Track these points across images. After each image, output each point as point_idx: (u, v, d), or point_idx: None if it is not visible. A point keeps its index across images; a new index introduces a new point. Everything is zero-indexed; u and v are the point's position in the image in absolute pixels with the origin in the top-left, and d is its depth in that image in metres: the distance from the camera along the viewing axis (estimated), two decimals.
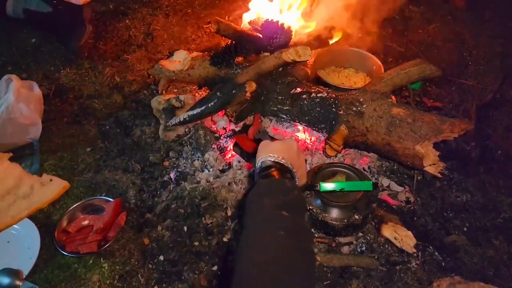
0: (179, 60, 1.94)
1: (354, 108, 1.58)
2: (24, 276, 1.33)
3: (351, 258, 1.41)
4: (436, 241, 1.49)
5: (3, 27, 2.42)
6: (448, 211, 1.59)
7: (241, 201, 1.59)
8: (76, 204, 1.57)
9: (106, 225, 1.47)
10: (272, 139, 1.30)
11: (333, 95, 1.67)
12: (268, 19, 1.91)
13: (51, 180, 1.61)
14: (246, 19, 2.18)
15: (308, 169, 1.63)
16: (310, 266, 0.79)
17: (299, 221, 0.86)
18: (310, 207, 1.44)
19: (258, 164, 1.03)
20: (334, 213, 1.41)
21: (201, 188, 1.64)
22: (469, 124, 1.46)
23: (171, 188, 1.67)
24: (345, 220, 1.41)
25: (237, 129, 1.83)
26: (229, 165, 1.72)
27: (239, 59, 1.85)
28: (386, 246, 1.46)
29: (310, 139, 1.80)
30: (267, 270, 0.72)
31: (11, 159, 1.64)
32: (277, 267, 0.72)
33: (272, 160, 1.00)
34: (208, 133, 1.80)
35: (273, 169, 0.98)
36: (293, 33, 1.91)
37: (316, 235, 1.48)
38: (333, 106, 1.63)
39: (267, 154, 1.02)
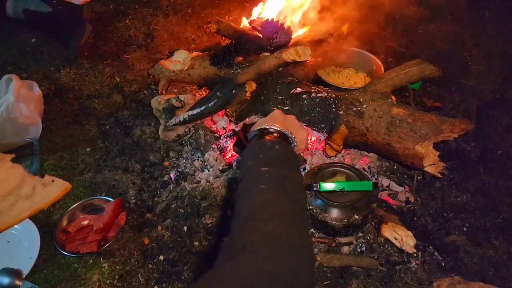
0: (179, 60, 1.94)
1: (354, 108, 1.58)
2: (24, 276, 1.33)
3: (351, 258, 1.41)
4: (436, 241, 1.49)
5: (3, 27, 2.43)
6: (448, 211, 1.59)
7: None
8: (76, 204, 1.57)
9: (106, 225, 1.47)
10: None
11: (333, 95, 1.67)
12: (268, 19, 1.91)
13: (53, 181, 1.61)
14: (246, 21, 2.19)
15: (308, 169, 1.63)
16: (298, 213, 0.79)
17: (282, 173, 0.85)
18: (310, 207, 1.44)
19: (257, 129, 1.02)
20: (334, 213, 1.41)
21: (201, 188, 1.64)
22: (469, 124, 1.46)
23: (171, 188, 1.67)
24: (345, 220, 1.41)
25: (237, 129, 1.83)
26: (229, 165, 1.72)
27: (239, 59, 1.85)
28: (386, 246, 1.46)
29: (310, 139, 1.80)
30: (253, 218, 0.73)
31: (13, 160, 1.64)
32: (261, 216, 0.73)
33: (264, 127, 1.00)
34: (208, 133, 1.80)
35: (261, 132, 0.99)
36: (293, 34, 1.91)
37: (316, 235, 1.48)
38: (333, 106, 1.63)
39: (260, 125, 1.03)
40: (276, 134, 0.98)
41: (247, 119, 1.84)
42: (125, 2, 2.70)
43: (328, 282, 1.37)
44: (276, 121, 1.02)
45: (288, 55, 1.59)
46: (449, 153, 1.73)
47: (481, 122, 1.92)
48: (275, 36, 1.84)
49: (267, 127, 0.99)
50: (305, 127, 1.10)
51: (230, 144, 1.78)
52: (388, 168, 1.73)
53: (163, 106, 1.86)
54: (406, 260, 1.42)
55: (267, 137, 0.97)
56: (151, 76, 2.12)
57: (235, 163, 1.72)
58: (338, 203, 1.40)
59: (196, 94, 2.09)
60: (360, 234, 1.49)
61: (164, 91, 2.01)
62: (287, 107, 1.73)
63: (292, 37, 1.91)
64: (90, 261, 1.42)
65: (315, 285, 1.30)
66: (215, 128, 1.88)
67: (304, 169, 1.67)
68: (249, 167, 0.88)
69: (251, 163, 0.89)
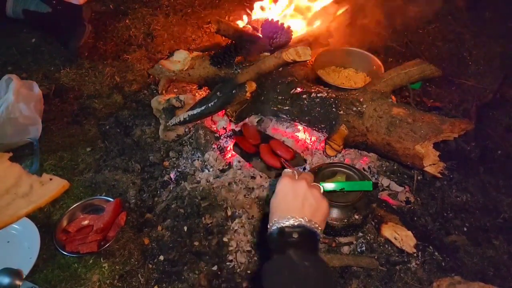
0: (179, 60, 1.94)
1: (354, 108, 1.58)
2: (24, 276, 1.33)
3: (351, 258, 1.41)
4: (436, 241, 1.49)
5: (3, 27, 2.43)
6: (448, 211, 1.59)
7: (241, 201, 1.58)
8: (76, 204, 1.57)
9: (106, 225, 1.47)
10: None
11: (333, 95, 1.67)
12: (268, 19, 1.91)
13: (50, 179, 1.61)
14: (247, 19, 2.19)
15: (308, 169, 1.63)
16: None
17: None
18: None
19: (274, 227, 0.88)
20: (334, 213, 1.41)
21: (201, 188, 1.64)
22: (469, 124, 1.46)
23: (171, 188, 1.67)
24: (345, 220, 1.40)
25: (237, 129, 1.84)
26: (229, 165, 1.72)
27: (239, 59, 1.85)
28: (386, 246, 1.46)
29: (310, 139, 1.80)
30: None
31: (11, 159, 1.64)
32: None
33: (288, 224, 0.86)
34: (208, 133, 1.80)
35: (285, 238, 0.85)
36: (293, 33, 1.91)
37: None
38: (333, 106, 1.63)
39: (276, 218, 0.89)
40: (297, 234, 0.85)
41: (247, 119, 1.84)
42: (125, 2, 2.70)
43: None
44: (294, 206, 0.88)
45: (288, 55, 1.59)
46: (449, 153, 1.73)
47: (481, 122, 1.92)
48: (275, 36, 1.84)
49: (286, 226, 0.85)
50: (322, 197, 0.94)
51: (230, 144, 1.78)
52: (388, 168, 1.73)
53: (163, 106, 1.86)
54: (406, 260, 1.42)
55: (290, 241, 0.84)
56: (151, 76, 2.12)
57: (234, 163, 1.72)
58: (338, 203, 1.40)
59: (196, 94, 2.09)
60: (360, 234, 1.49)
61: (164, 91, 2.01)
62: (287, 107, 1.73)
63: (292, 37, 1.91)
64: (90, 261, 1.42)
65: None
66: (215, 128, 1.88)
67: (304, 169, 1.67)
68: None
69: None
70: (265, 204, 1.57)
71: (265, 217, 0.92)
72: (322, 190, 0.97)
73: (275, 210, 0.91)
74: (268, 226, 0.90)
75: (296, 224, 0.86)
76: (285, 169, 0.99)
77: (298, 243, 0.84)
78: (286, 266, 0.81)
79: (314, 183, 0.97)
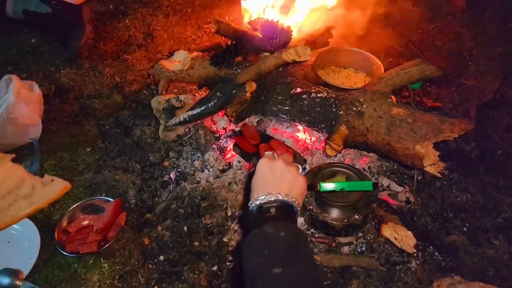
0: (179, 60, 1.94)
1: (354, 108, 1.58)
2: (24, 276, 1.33)
3: (351, 258, 1.41)
4: (436, 241, 1.49)
5: (3, 28, 2.43)
6: (448, 211, 1.59)
7: (241, 202, 1.59)
8: (76, 204, 1.57)
9: (106, 225, 1.47)
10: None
11: (333, 95, 1.67)
12: (268, 19, 1.91)
13: (52, 180, 1.61)
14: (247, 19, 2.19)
15: (308, 169, 1.63)
16: None
17: (296, 273, 0.77)
18: (310, 207, 1.44)
19: (252, 205, 0.92)
20: (334, 213, 1.41)
21: (201, 188, 1.64)
22: (469, 124, 1.46)
23: (171, 188, 1.67)
24: (345, 220, 1.41)
25: (237, 129, 1.84)
26: (229, 165, 1.72)
27: (239, 59, 1.85)
28: (386, 246, 1.46)
29: (310, 139, 1.80)
30: None
31: (13, 160, 1.64)
32: None
33: (266, 201, 0.90)
34: (208, 133, 1.80)
35: (262, 213, 0.89)
36: (293, 33, 1.91)
37: (316, 235, 1.48)
38: (333, 106, 1.63)
39: (254, 196, 0.93)
40: (274, 209, 0.88)
41: (247, 119, 1.84)
42: (125, 2, 2.71)
43: (328, 282, 1.37)
44: (271, 183, 0.92)
45: (288, 55, 1.59)
46: (449, 153, 1.73)
47: (481, 122, 1.92)
48: (275, 36, 1.84)
49: (264, 202, 0.89)
50: (298, 173, 0.98)
51: (230, 144, 1.78)
52: (388, 168, 1.73)
53: (163, 106, 1.86)
54: (406, 260, 1.42)
55: (268, 216, 0.87)
56: (151, 76, 2.12)
57: (234, 163, 1.72)
58: (338, 203, 1.40)
59: (196, 94, 2.09)
60: (360, 234, 1.49)
61: (164, 91, 2.01)
62: (287, 107, 1.73)
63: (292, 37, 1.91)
64: (90, 261, 1.42)
65: None
66: (215, 128, 1.88)
67: (304, 169, 1.67)
68: (256, 268, 0.79)
69: (257, 262, 0.79)
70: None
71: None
72: (300, 169, 1.02)
73: (254, 189, 0.95)
74: (249, 205, 0.93)
75: (273, 199, 0.90)
76: (265, 152, 1.04)
77: (276, 217, 0.88)
78: (260, 236, 0.84)
79: (294, 163, 1.01)
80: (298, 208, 0.93)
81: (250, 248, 0.84)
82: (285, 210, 0.90)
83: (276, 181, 0.93)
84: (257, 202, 0.91)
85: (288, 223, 0.88)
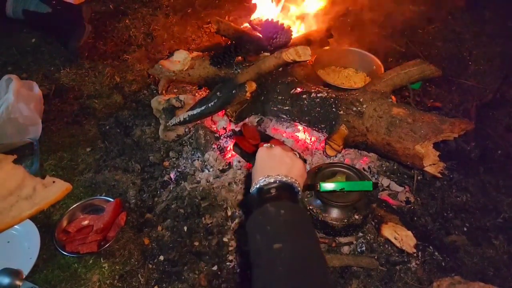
0: (179, 60, 1.94)
1: (354, 108, 1.58)
2: (24, 276, 1.33)
3: (351, 258, 1.41)
4: (436, 241, 1.49)
5: (3, 28, 2.43)
6: (448, 211, 1.59)
7: (241, 201, 1.58)
8: (76, 204, 1.57)
9: (106, 225, 1.47)
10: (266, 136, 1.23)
11: (333, 95, 1.67)
12: (268, 19, 1.91)
13: (53, 182, 1.61)
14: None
15: (308, 169, 1.63)
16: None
17: (297, 247, 0.79)
18: (310, 207, 1.44)
19: (253, 189, 0.95)
20: (334, 213, 1.41)
21: (201, 188, 1.64)
22: (469, 124, 1.46)
23: (171, 188, 1.67)
24: (345, 220, 1.40)
25: (237, 129, 1.84)
26: (229, 165, 1.72)
27: (239, 59, 1.85)
28: (386, 246, 1.46)
29: (310, 139, 1.80)
30: None
31: (13, 161, 1.64)
32: None
33: (265, 183, 0.92)
34: (208, 133, 1.80)
35: (263, 194, 0.91)
36: (293, 33, 1.91)
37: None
38: (333, 106, 1.63)
39: (254, 181, 0.95)
40: (274, 189, 0.91)
41: (247, 119, 1.84)
42: (125, 2, 2.71)
43: None
44: (270, 167, 0.95)
45: (288, 55, 1.59)
46: (449, 153, 1.73)
47: (481, 122, 1.92)
48: (275, 36, 1.84)
49: (264, 184, 0.91)
50: (299, 158, 1.01)
51: (230, 144, 1.78)
52: (388, 168, 1.73)
53: (163, 106, 1.86)
54: (406, 260, 1.42)
55: (268, 196, 0.89)
56: (151, 76, 2.12)
57: (234, 163, 1.72)
58: (338, 203, 1.40)
59: (196, 94, 2.09)
60: (360, 234, 1.49)
61: (164, 91, 2.01)
62: (287, 107, 1.73)
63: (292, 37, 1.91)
64: (90, 261, 1.42)
65: None
66: (215, 128, 1.88)
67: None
68: (259, 244, 0.81)
69: (259, 238, 0.82)
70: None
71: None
72: (297, 155, 1.04)
73: (254, 175, 0.96)
74: (250, 191, 0.95)
75: (272, 180, 0.91)
76: (264, 144, 1.07)
77: (276, 196, 0.90)
78: (262, 214, 0.86)
79: (290, 149, 1.04)
80: (299, 188, 0.95)
81: (253, 226, 0.86)
82: (286, 190, 0.92)
83: (275, 164, 0.96)
84: (257, 186, 0.92)
85: (289, 202, 0.90)
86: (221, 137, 1.82)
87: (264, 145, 1.05)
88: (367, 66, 2.05)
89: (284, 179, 0.92)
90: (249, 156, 1.71)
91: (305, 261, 0.78)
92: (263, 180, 0.92)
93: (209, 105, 1.73)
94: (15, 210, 1.50)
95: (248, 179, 1.00)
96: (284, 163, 0.96)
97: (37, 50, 2.35)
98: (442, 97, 2.10)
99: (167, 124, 1.82)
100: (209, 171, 1.70)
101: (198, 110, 1.74)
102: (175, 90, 2.12)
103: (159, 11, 2.65)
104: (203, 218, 1.55)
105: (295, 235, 0.82)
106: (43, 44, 2.38)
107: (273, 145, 1.04)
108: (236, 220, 1.53)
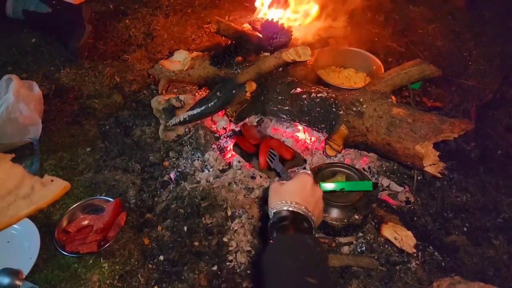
0: (179, 60, 1.94)
1: (354, 108, 1.58)
2: (24, 276, 1.33)
3: (351, 258, 1.41)
4: (436, 241, 1.49)
5: (3, 28, 2.43)
6: (448, 211, 1.59)
7: (241, 201, 1.58)
8: (76, 204, 1.57)
9: (106, 225, 1.47)
10: (285, 174, 1.30)
11: (333, 95, 1.67)
12: (268, 19, 1.91)
13: (52, 180, 1.61)
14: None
15: (308, 169, 1.63)
16: None
17: (327, 287, 0.80)
18: None
19: (272, 212, 0.94)
20: (334, 213, 1.41)
21: (201, 188, 1.64)
22: (469, 124, 1.46)
23: (171, 188, 1.67)
24: (345, 220, 1.40)
25: (237, 129, 1.84)
26: (229, 165, 1.72)
27: (239, 59, 1.85)
28: (386, 246, 1.46)
29: (310, 139, 1.80)
30: None
31: (13, 160, 1.64)
32: None
33: (287, 208, 0.92)
34: (208, 133, 1.80)
35: (288, 221, 0.90)
36: (293, 33, 1.91)
37: (316, 235, 1.48)
38: (333, 106, 1.63)
39: (280, 200, 0.94)
40: (306, 223, 0.91)
41: (247, 119, 1.84)
42: (125, 2, 2.70)
43: None
44: (305, 192, 0.96)
45: (288, 55, 1.59)
46: (449, 153, 1.73)
47: (481, 122, 1.92)
48: (275, 36, 1.84)
49: (301, 211, 0.92)
50: (321, 200, 1.03)
51: (230, 144, 1.78)
52: (388, 168, 1.73)
53: (163, 106, 1.86)
54: (406, 260, 1.42)
55: (299, 225, 0.89)
56: (151, 76, 2.12)
57: (234, 163, 1.72)
58: (338, 203, 1.40)
59: (196, 94, 2.09)
60: (360, 234, 1.49)
61: (164, 91, 2.01)
62: (287, 107, 1.73)
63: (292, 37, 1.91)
64: (90, 261, 1.42)
65: None
66: (215, 128, 1.88)
67: (304, 169, 1.67)
68: (289, 269, 0.79)
69: (291, 264, 0.79)
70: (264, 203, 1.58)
71: (265, 216, 0.98)
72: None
73: (293, 193, 0.96)
74: (271, 208, 0.95)
75: (304, 211, 0.92)
76: (304, 171, 1.11)
77: (307, 229, 0.90)
78: (299, 241, 0.85)
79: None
80: (314, 228, 0.95)
81: (284, 250, 0.84)
82: (303, 221, 0.92)
83: (307, 195, 0.97)
84: (280, 208, 0.93)
85: (310, 232, 0.91)
86: (221, 137, 1.82)
87: (307, 171, 1.06)
88: (367, 66, 2.05)
89: (307, 213, 0.93)
90: (249, 156, 1.71)
91: None
92: (303, 207, 0.93)
93: (209, 105, 1.73)
94: (13, 209, 1.50)
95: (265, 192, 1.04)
96: (319, 206, 0.99)
97: (37, 50, 2.35)
98: (442, 97, 2.10)
99: (167, 124, 1.82)
100: (209, 171, 1.70)
101: (198, 110, 1.74)
102: (175, 90, 2.11)
103: (159, 11, 2.65)
104: (203, 218, 1.55)
105: (325, 277, 0.82)
106: (43, 44, 2.38)
107: (308, 172, 1.08)
108: (236, 220, 1.53)
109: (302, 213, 0.92)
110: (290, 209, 0.92)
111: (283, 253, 0.83)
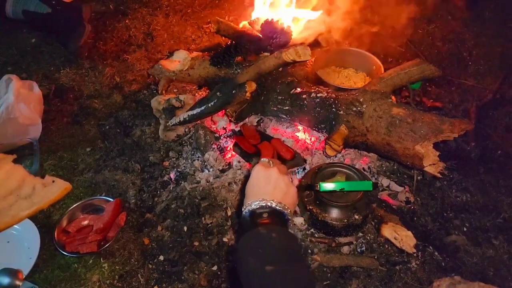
0: (179, 60, 1.94)
1: (354, 108, 1.58)
2: (24, 276, 1.33)
3: (351, 258, 1.41)
4: (436, 241, 1.49)
5: (3, 28, 2.43)
6: (448, 211, 1.59)
7: (238, 202, 1.58)
8: (76, 204, 1.57)
9: (106, 225, 1.47)
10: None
11: (333, 95, 1.67)
12: (268, 19, 1.91)
13: (53, 181, 1.61)
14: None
15: (308, 169, 1.63)
16: None
17: (289, 271, 0.81)
18: (310, 207, 1.44)
19: (246, 210, 0.96)
20: (334, 213, 1.41)
21: (201, 188, 1.64)
22: (469, 124, 1.46)
23: (171, 188, 1.67)
24: (345, 220, 1.41)
25: (237, 129, 1.84)
26: (229, 165, 1.72)
27: (239, 59, 1.85)
28: (386, 246, 1.46)
29: (310, 139, 1.80)
30: None
31: (13, 161, 1.64)
32: None
33: (248, 209, 0.95)
34: (208, 133, 1.80)
35: (249, 220, 0.94)
36: (292, 33, 1.91)
37: (316, 235, 1.48)
38: (333, 106, 1.63)
39: (248, 202, 0.97)
40: (267, 214, 0.93)
41: (247, 119, 1.84)
42: (125, 2, 2.70)
43: (328, 282, 1.37)
44: (265, 191, 0.97)
45: (288, 55, 1.59)
46: (449, 153, 1.73)
47: (481, 122, 1.92)
48: (275, 36, 1.84)
49: (257, 208, 0.94)
50: (291, 183, 1.02)
51: (230, 144, 1.78)
52: (388, 168, 1.73)
53: (163, 106, 1.86)
54: (406, 260, 1.42)
55: (260, 221, 0.92)
56: (151, 76, 2.12)
57: (234, 163, 1.72)
58: (338, 203, 1.40)
59: (196, 94, 2.09)
60: (360, 234, 1.49)
61: (164, 91, 2.01)
62: (287, 107, 1.73)
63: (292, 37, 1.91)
64: (90, 261, 1.42)
65: None
66: (215, 128, 1.88)
67: (304, 169, 1.67)
68: (252, 266, 0.83)
69: (251, 261, 0.83)
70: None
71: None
72: (291, 179, 1.06)
73: (248, 195, 0.99)
74: (242, 209, 0.97)
75: (265, 205, 0.94)
76: (262, 158, 1.08)
77: (268, 221, 0.92)
78: (254, 236, 0.88)
79: (287, 172, 1.05)
80: (290, 216, 0.97)
81: (245, 248, 0.87)
82: (277, 216, 0.94)
83: (270, 189, 0.98)
84: (250, 208, 0.95)
85: (280, 227, 0.92)
86: (221, 137, 1.82)
87: (262, 160, 1.07)
88: (367, 66, 2.05)
89: (278, 207, 0.95)
90: (249, 156, 1.71)
91: (296, 284, 0.80)
92: (256, 203, 0.95)
93: (209, 105, 1.73)
94: (14, 210, 1.50)
95: (245, 185, 1.02)
96: (279, 188, 0.98)
97: (37, 50, 2.35)
98: (442, 97, 2.10)
99: (167, 124, 1.82)
100: (209, 171, 1.70)
101: (198, 110, 1.74)
102: (175, 90, 2.12)
103: (159, 11, 2.65)
104: (203, 218, 1.55)
105: (286, 259, 0.85)
106: (43, 44, 2.38)
107: (271, 162, 1.05)
108: (236, 220, 1.53)
109: (266, 206, 0.94)
110: (251, 208, 0.95)
111: (245, 250, 0.87)
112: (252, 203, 0.95)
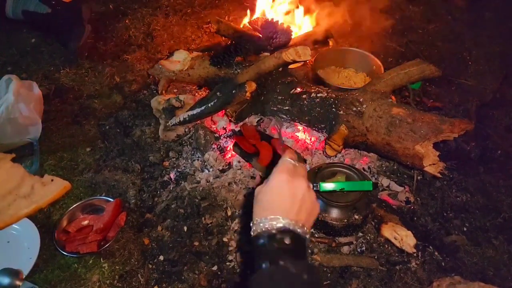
0: (179, 60, 1.94)
1: (354, 108, 1.58)
2: (24, 276, 1.33)
3: (351, 258, 1.41)
4: (436, 241, 1.49)
5: (3, 28, 2.43)
6: (448, 211, 1.59)
7: (241, 201, 1.58)
8: (76, 204, 1.57)
9: (106, 225, 1.47)
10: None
11: (333, 95, 1.67)
12: (268, 19, 1.91)
13: (52, 180, 1.61)
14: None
15: (308, 169, 1.63)
16: None
17: None
18: None
19: (256, 229, 0.79)
20: (334, 213, 1.41)
21: (201, 188, 1.64)
22: (469, 124, 1.46)
23: (171, 188, 1.67)
24: (345, 220, 1.40)
25: (237, 129, 1.84)
26: (229, 165, 1.72)
27: (239, 59, 1.85)
28: (386, 246, 1.46)
29: (310, 139, 1.80)
30: None
31: (13, 160, 1.64)
32: None
33: (270, 228, 0.78)
34: (208, 133, 1.80)
35: (269, 245, 0.76)
36: (292, 33, 1.91)
37: (316, 235, 1.48)
38: (333, 106, 1.63)
39: (262, 215, 0.80)
40: (289, 240, 0.76)
41: (247, 119, 1.84)
42: (125, 2, 2.71)
43: (328, 282, 1.37)
44: (284, 208, 0.79)
45: (288, 55, 1.59)
46: (449, 153, 1.73)
47: (481, 122, 1.92)
48: (275, 36, 1.84)
49: (279, 231, 0.77)
50: (316, 200, 0.87)
51: (230, 144, 1.78)
52: (388, 168, 1.73)
53: (163, 106, 1.86)
54: (406, 260, 1.42)
55: (282, 249, 0.75)
56: (151, 76, 2.12)
57: (234, 163, 1.72)
58: (338, 203, 1.40)
59: (196, 94, 2.09)
60: (360, 234, 1.49)
61: (164, 91, 2.01)
62: (287, 107, 1.73)
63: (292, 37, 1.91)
64: (90, 261, 1.42)
65: None
66: (215, 128, 1.88)
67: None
68: None
69: None
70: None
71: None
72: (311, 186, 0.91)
73: (266, 207, 0.81)
74: (255, 221, 0.80)
75: (289, 228, 0.78)
76: (285, 158, 0.89)
77: (291, 250, 0.76)
78: (281, 274, 0.73)
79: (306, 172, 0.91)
80: (307, 236, 0.82)
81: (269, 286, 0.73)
82: (299, 242, 0.78)
83: (296, 208, 0.81)
84: (268, 226, 0.78)
85: (305, 260, 0.79)
86: (221, 137, 1.82)
87: (285, 159, 0.88)
88: (367, 66, 2.05)
89: (301, 230, 0.79)
90: (249, 156, 1.71)
91: None
92: (275, 223, 0.78)
93: (209, 105, 1.73)
94: (13, 209, 1.50)
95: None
96: (305, 208, 0.82)
97: (37, 50, 2.35)
98: (442, 97, 2.10)
99: (167, 124, 1.82)
100: (209, 171, 1.70)
101: (198, 110, 1.74)
102: (175, 90, 2.12)
103: (159, 11, 2.65)
104: (203, 218, 1.55)
105: None
106: (43, 44, 2.38)
107: (296, 164, 0.88)
108: (236, 220, 1.53)
109: (290, 230, 0.77)
110: (269, 227, 0.77)
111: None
112: (270, 221, 0.78)
